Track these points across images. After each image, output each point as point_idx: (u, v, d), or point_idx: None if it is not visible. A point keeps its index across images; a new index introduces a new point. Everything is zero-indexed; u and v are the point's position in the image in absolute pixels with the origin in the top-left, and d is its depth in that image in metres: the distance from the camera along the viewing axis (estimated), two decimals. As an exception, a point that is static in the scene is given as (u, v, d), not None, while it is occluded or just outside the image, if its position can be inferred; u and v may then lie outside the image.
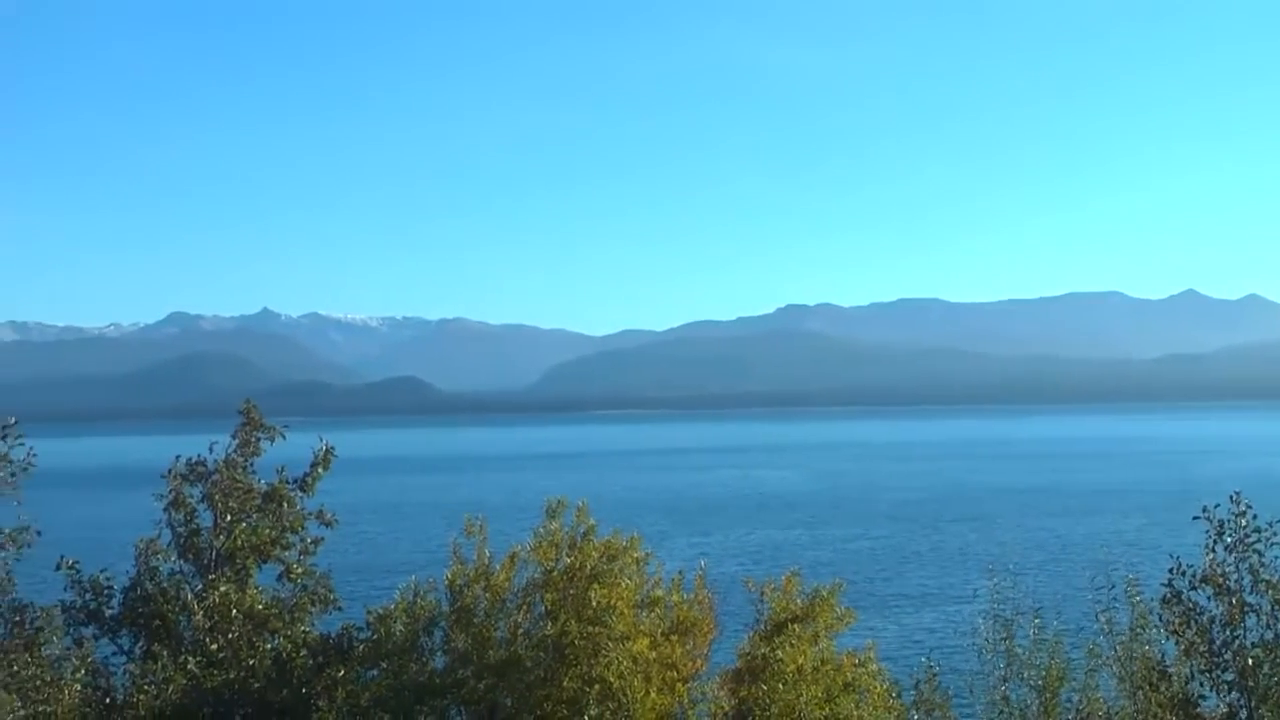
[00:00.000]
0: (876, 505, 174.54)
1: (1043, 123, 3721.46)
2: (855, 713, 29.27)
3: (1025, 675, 27.62)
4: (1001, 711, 27.64)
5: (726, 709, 29.28)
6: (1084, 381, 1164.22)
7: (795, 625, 29.65)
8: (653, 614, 30.00)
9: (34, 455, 25.43)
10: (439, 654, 29.31)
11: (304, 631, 29.25)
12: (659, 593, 30.53)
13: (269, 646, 28.46)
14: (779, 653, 28.73)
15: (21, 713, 24.52)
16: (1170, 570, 23.97)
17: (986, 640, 28.26)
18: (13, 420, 25.37)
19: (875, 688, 30.00)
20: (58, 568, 28.89)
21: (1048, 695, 27.38)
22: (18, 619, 25.92)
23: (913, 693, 30.51)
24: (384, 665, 28.70)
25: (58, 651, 26.34)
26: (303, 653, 28.29)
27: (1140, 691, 25.84)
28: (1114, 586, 27.71)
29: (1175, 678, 24.87)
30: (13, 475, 25.03)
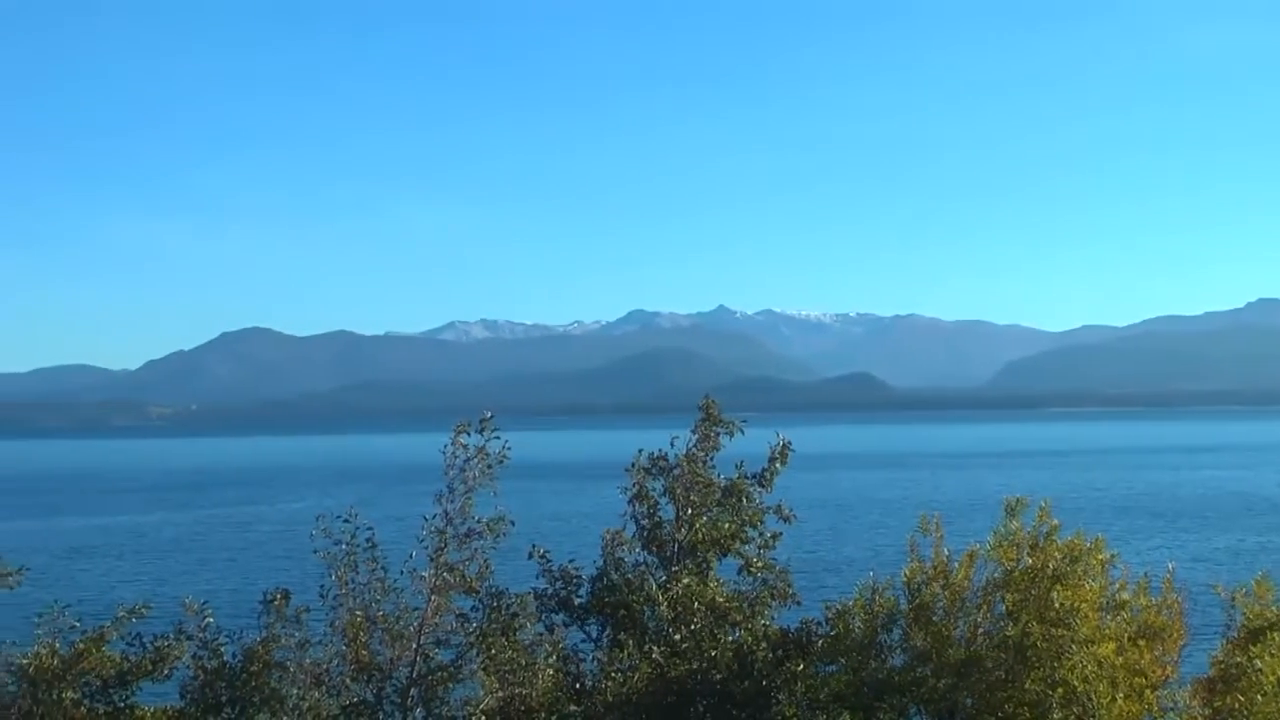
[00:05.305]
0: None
1: None
2: (1343, 730, 27.50)
3: None
4: None
5: (1200, 719, 28.06)
6: None
7: (1274, 633, 28.14)
8: (1118, 618, 29.08)
9: (508, 448, 26.57)
10: (897, 651, 29.17)
11: (764, 625, 29.53)
12: (1125, 596, 29.59)
13: (730, 639, 28.83)
14: (1258, 662, 27.34)
15: (499, 694, 25.68)
16: None
17: None
18: (488, 415, 26.57)
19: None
20: (529, 556, 30.04)
21: None
22: (495, 605, 27.05)
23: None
24: (843, 661, 28.76)
25: (531, 637, 27.31)
26: (763, 646, 28.55)
27: None
28: None
29: None
30: (489, 467, 26.23)
